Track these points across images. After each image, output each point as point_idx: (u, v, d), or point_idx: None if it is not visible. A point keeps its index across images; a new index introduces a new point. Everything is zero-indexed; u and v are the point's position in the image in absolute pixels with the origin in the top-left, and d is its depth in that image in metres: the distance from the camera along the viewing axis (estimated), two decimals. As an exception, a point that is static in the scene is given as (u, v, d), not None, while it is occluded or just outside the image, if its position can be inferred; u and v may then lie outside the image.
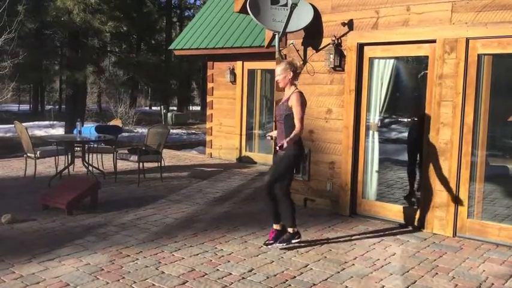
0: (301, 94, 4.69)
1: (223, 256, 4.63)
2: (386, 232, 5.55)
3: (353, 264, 4.51)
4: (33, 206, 6.23)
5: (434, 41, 5.49)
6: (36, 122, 23.46)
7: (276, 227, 4.89)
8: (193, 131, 23.63)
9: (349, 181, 6.18)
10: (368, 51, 6.05)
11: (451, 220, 5.44)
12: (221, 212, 6.31)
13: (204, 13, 12.00)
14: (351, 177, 6.18)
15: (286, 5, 6.27)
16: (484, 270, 4.44)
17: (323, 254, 4.76)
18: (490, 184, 5.68)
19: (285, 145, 4.42)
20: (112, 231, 5.31)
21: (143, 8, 28.15)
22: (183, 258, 4.55)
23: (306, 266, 4.42)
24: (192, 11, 40.14)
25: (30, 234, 5.15)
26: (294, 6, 6.05)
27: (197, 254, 4.66)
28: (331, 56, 6.16)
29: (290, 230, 4.88)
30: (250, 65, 10.55)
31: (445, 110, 5.43)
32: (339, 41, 6.18)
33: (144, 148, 8.00)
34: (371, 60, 6.07)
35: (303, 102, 4.65)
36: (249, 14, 6.36)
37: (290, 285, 4.01)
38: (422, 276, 4.26)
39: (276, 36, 6.42)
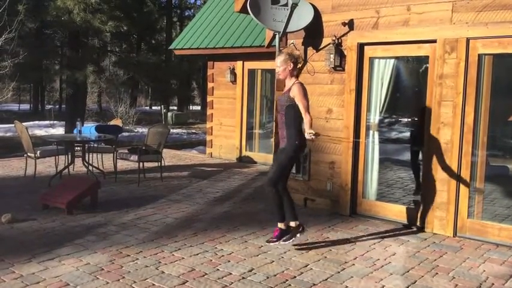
0: (302, 85, 4.63)
1: (223, 256, 4.63)
2: (387, 232, 5.55)
3: (353, 264, 4.51)
4: (33, 206, 6.23)
5: (434, 41, 5.48)
6: (37, 122, 23.47)
7: (280, 225, 4.82)
8: (194, 131, 23.62)
9: (349, 181, 6.18)
10: (368, 51, 6.05)
11: (451, 220, 5.43)
12: (221, 211, 6.31)
13: (204, 13, 12.00)
14: (351, 177, 6.18)
15: (286, 4, 6.27)
16: (484, 270, 4.44)
17: (323, 254, 4.76)
18: (491, 184, 5.68)
19: (313, 136, 4.34)
20: (112, 231, 5.31)
21: (143, 7, 28.16)
22: (183, 258, 4.55)
23: (306, 266, 4.42)
24: (192, 10, 40.18)
25: (30, 234, 5.15)
26: (294, 6, 6.04)
27: (197, 254, 4.66)
28: (332, 55, 6.16)
29: (293, 224, 4.83)
30: (250, 64, 10.55)
31: (445, 110, 5.43)
32: (339, 41, 6.18)
33: (144, 148, 8.00)
34: (371, 60, 6.07)
35: (305, 93, 4.60)
36: (249, 14, 6.36)
37: (290, 285, 4.01)
38: (423, 276, 4.26)
39: (277, 36, 6.42)
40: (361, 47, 6.06)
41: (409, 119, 7.01)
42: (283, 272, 4.28)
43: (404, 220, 5.84)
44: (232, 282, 4.01)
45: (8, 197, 6.76)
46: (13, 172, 8.76)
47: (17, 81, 17.54)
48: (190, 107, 43.61)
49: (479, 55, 5.24)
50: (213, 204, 6.67)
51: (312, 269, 4.36)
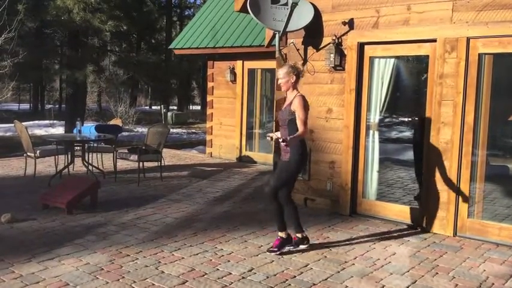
0: (303, 98, 4.62)
1: (223, 256, 4.62)
2: (387, 232, 5.55)
3: (353, 264, 4.50)
4: (33, 206, 6.22)
5: (435, 40, 5.48)
6: (36, 121, 23.44)
7: (281, 234, 4.77)
8: (194, 131, 23.61)
9: (350, 181, 6.17)
10: (368, 51, 6.04)
11: (452, 220, 5.43)
12: (221, 211, 6.31)
13: (204, 12, 11.99)
14: (351, 177, 6.17)
15: (286, 4, 6.26)
16: (484, 270, 4.43)
17: (323, 254, 4.75)
18: (491, 184, 5.68)
19: (288, 139, 4.35)
20: (112, 231, 5.30)
21: (143, 7, 28.13)
22: (183, 257, 4.55)
23: (306, 266, 4.42)
24: (192, 10, 40.13)
25: (30, 234, 5.15)
26: (294, 5, 6.04)
27: (197, 254, 4.65)
28: (332, 55, 6.15)
29: (299, 235, 4.83)
30: (250, 64, 10.54)
31: (445, 110, 5.42)
32: (340, 40, 6.17)
33: (144, 147, 7.99)
34: (371, 59, 6.06)
35: (305, 106, 4.58)
36: (249, 13, 6.35)
37: (290, 284, 4.00)
38: (423, 276, 4.25)
39: (276, 36, 6.41)
40: (361, 46, 6.05)
41: (410, 119, 7.01)
42: (283, 271, 4.27)
43: (405, 220, 5.83)
44: (232, 282, 4.01)
45: (7, 197, 6.75)
46: (13, 172, 8.76)
47: (17, 81, 17.53)
48: (190, 106, 43.60)
49: (479, 54, 5.24)
50: (213, 204, 6.66)
51: (312, 268, 4.36)
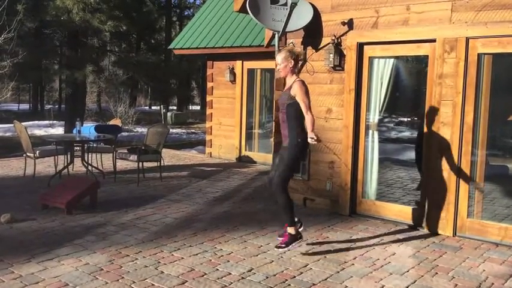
0: (303, 82, 4.53)
1: (222, 256, 4.62)
2: (386, 232, 5.55)
3: (353, 264, 4.50)
4: (32, 206, 6.22)
5: (434, 41, 5.48)
6: (36, 122, 23.43)
7: (290, 230, 4.63)
8: (193, 131, 23.61)
9: (349, 180, 6.18)
10: (368, 51, 6.05)
11: (451, 220, 5.43)
12: (221, 211, 6.31)
13: (203, 12, 11.99)
14: (350, 177, 6.17)
15: (285, 4, 6.26)
16: (484, 270, 4.43)
17: (323, 254, 4.75)
18: (490, 183, 5.68)
19: (315, 137, 4.26)
20: (111, 231, 5.30)
21: (143, 7, 28.13)
22: (183, 258, 4.55)
23: (305, 266, 4.42)
24: (191, 10, 40.18)
25: (30, 234, 5.15)
26: (293, 5, 6.04)
27: (197, 254, 4.65)
28: (331, 55, 6.16)
29: (290, 230, 4.69)
30: (249, 64, 10.54)
31: (445, 110, 5.43)
32: (339, 41, 6.17)
33: (143, 148, 7.99)
34: (371, 59, 6.06)
35: (306, 91, 4.49)
36: (248, 14, 6.35)
37: (290, 285, 4.00)
38: (422, 276, 4.25)
39: (276, 36, 6.41)
40: (360, 46, 6.05)
41: (409, 119, 7.01)
42: (282, 271, 4.27)
43: (404, 220, 5.83)
44: (231, 282, 4.01)
45: (7, 197, 6.75)
46: (12, 172, 8.76)
47: (16, 81, 17.53)
48: (190, 106, 43.61)
49: (478, 54, 5.24)
50: (213, 204, 6.66)
51: (311, 268, 4.36)
